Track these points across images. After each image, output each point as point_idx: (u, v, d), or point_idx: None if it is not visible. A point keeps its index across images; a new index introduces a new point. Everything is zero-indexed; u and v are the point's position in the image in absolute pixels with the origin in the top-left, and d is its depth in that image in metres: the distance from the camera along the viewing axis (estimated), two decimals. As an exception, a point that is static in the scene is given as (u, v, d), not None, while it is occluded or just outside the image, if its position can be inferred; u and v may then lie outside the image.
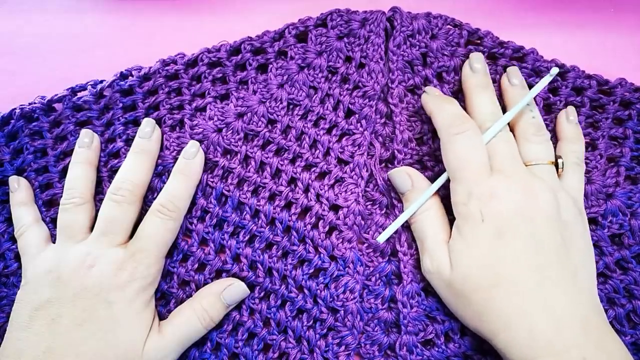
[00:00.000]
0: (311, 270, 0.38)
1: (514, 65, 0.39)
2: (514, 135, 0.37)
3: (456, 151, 0.35)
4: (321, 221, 0.38)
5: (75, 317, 0.34)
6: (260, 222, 0.38)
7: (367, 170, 0.39)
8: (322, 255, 0.37)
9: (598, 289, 0.35)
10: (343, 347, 0.37)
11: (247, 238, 0.38)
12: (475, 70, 0.38)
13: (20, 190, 0.39)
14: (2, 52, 0.44)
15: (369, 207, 0.39)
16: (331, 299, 0.37)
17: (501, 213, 0.33)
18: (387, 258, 0.38)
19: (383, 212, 0.39)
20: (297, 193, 0.38)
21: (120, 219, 0.36)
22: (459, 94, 0.39)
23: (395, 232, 0.38)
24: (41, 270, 0.35)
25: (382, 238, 0.38)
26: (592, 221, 0.38)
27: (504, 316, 0.32)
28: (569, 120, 0.39)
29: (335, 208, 0.38)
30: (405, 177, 0.38)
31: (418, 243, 0.37)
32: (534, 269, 0.32)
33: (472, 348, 0.37)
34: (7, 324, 0.35)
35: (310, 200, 0.38)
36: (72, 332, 0.33)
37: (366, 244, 0.38)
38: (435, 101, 0.37)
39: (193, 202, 0.38)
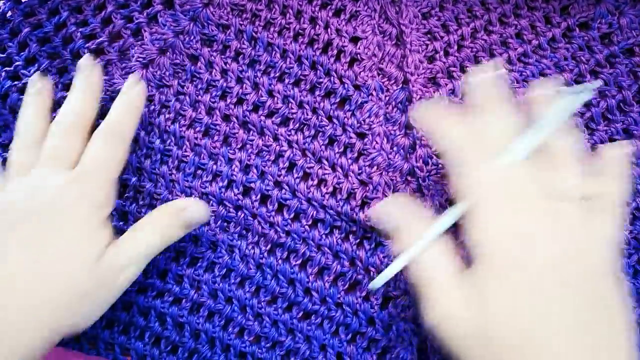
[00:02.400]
0: (337, 100, 0.41)
1: None
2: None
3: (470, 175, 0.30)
4: (342, 54, 0.41)
5: (20, 241, 0.33)
6: (288, 60, 0.41)
7: (378, 3, 0.42)
8: (346, 84, 0.41)
9: None
10: (375, 168, 0.40)
11: (277, 75, 0.41)
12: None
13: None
14: None
15: (385, 39, 0.42)
16: (358, 125, 0.40)
17: (543, 255, 0.28)
18: (400, 85, 0.41)
19: (394, 42, 0.42)
20: (319, 29, 0.41)
21: (63, 146, 0.36)
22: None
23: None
24: None
25: (377, 283, 0.32)
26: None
27: None
28: (617, 156, 0.33)
29: (354, 40, 0.42)
30: (389, 215, 0.33)
31: (418, 287, 0.30)
32: (571, 330, 0.27)
33: None
34: None
35: (331, 34, 0.41)
36: (17, 256, 0.33)
37: (381, 74, 0.41)
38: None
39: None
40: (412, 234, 0.31)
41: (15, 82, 0.41)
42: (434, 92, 0.41)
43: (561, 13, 0.42)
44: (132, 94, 0.38)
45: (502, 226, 0.29)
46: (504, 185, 0.29)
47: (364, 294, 0.40)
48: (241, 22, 0.41)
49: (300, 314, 0.40)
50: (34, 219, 0.34)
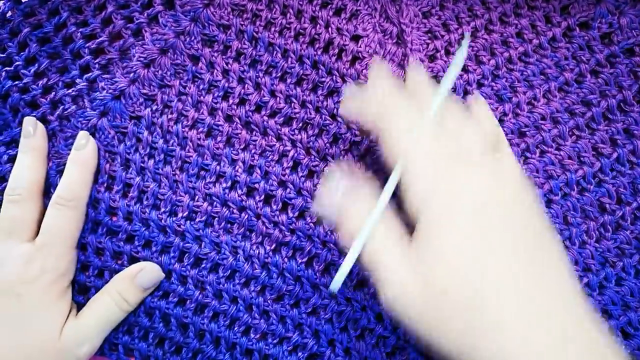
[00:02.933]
0: (340, 98, 0.40)
1: None
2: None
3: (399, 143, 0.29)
4: (344, 52, 0.41)
5: None
6: (289, 60, 0.41)
7: (379, 2, 0.42)
8: (348, 82, 0.41)
9: None
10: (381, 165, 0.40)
11: (279, 74, 0.41)
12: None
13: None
14: None
15: (386, 38, 0.42)
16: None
17: (475, 204, 0.28)
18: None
19: (394, 41, 0.42)
20: (319, 29, 0.41)
21: (22, 216, 0.37)
22: None
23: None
24: None
25: (335, 286, 0.30)
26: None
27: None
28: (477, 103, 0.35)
29: (355, 39, 0.42)
30: (329, 209, 0.31)
31: (371, 276, 0.29)
32: (519, 284, 0.27)
33: None
34: None
35: (332, 33, 0.41)
36: None
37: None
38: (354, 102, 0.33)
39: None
40: (355, 220, 0.30)
41: (17, 82, 0.41)
42: None
43: (561, 13, 0.42)
44: (83, 154, 0.39)
45: (429, 188, 0.28)
46: (426, 148, 0.29)
47: (372, 290, 0.40)
48: (242, 22, 0.41)
49: (309, 309, 0.40)
50: None
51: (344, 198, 0.31)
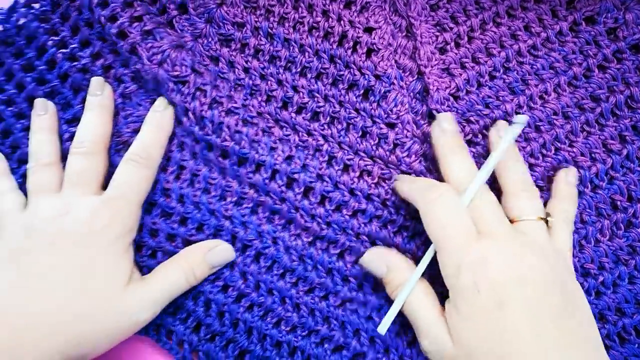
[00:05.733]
0: (361, 92, 0.40)
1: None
2: (502, 189, 0.36)
3: (436, 219, 0.33)
4: (358, 45, 0.40)
5: (50, 264, 0.33)
6: (307, 54, 0.40)
7: None
8: (367, 75, 0.39)
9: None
10: (413, 157, 0.39)
11: (299, 69, 0.40)
12: (445, 131, 0.36)
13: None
14: None
15: (396, 31, 0.41)
16: (386, 115, 0.39)
17: (494, 280, 0.31)
18: (415, 77, 0.40)
19: (404, 34, 0.41)
20: (332, 22, 0.40)
21: (89, 169, 0.36)
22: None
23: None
24: (17, 225, 0.35)
25: (383, 328, 0.35)
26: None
27: None
28: (567, 181, 0.38)
29: (368, 31, 0.40)
30: (378, 262, 0.36)
31: (412, 324, 0.35)
32: (539, 336, 0.30)
33: None
34: None
35: (345, 26, 0.40)
36: (46, 276, 0.33)
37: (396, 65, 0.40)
38: (406, 179, 0.37)
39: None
40: (400, 277, 0.35)
41: (75, 63, 0.40)
42: (449, 82, 0.40)
43: (567, 7, 0.41)
44: (161, 116, 0.38)
45: (456, 264, 0.32)
46: (462, 221, 0.33)
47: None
48: (256, 19, 0.40)
49: (338, 302, 0.39)
50: (64, 242, 0.34)
51: (391, 258, 0.36)
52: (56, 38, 0.40)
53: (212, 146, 0.39)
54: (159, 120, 0.38)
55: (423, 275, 0.35)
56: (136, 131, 0.39)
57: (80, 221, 0.34)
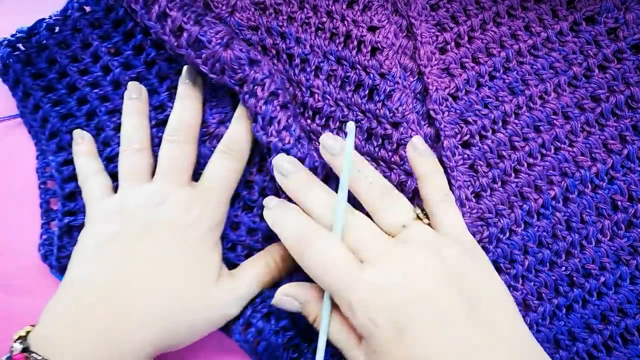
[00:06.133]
0: (366, 92, 0.40)
1: None
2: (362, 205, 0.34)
3: (316, 265, 0.31)
4: (363, 44, 0.40)
5: (147, 252, 0.33)
6: (317, 54, 0.40)
7: None
8: (371, 74, 0.39)
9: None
10: None
11: (313, 69, 0.40)
12: (286, 172, 0.34)
13: (84, 142, 0.39)
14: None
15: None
16: (391, 114, 0.39)
17: (390, 307, 0.29)
18: (416, 77, 0.40)
19: (404, 34, 0.41)
20: (336, 22, 0.40)
21: (181, 157, 0.36)
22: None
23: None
24: (107, 210, 0.35)
25: (319, 358, 0.32)
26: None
27: None
28: (420, 153, 0.34)
29: (372, 30, 0.40)
30: (289, 300, 0.34)
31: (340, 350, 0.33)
32: (454, 348, 0.28)
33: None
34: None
35: (349, 26, 0.40)
36: (143, 265, 0.33)
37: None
38: (278, 214, 0.34)
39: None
40: (316, 309, 0.33)
41: (161, 51, 0.41)
42: (449, 82, 0.40)
43: (567, 7, 0.41)
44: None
45: (349, 297, 0.30)
46: (340, 258, 0.31)
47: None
48: (267, 20, 0.40)
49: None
50: (157, 232, 0.34)
51: (303, 290, 0.34)
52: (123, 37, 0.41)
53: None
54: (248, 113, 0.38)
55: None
56: (221, 122, 0.39)
57: (176, 211, 0.34)
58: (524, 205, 0.39)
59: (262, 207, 0.36)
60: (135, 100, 0.39)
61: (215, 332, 0.36)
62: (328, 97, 0.40)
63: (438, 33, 0.41)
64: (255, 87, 0.36)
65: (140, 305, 0.33)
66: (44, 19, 0.41)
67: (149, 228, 0.34)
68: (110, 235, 0.34)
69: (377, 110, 0.39)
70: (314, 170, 0.36)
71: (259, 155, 0.39)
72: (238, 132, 0.37)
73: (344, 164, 0.33)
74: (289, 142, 0.36)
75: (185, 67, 0.39)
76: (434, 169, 0.35)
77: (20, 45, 0.41)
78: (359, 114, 0.40)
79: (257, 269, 0.36)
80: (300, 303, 0.33)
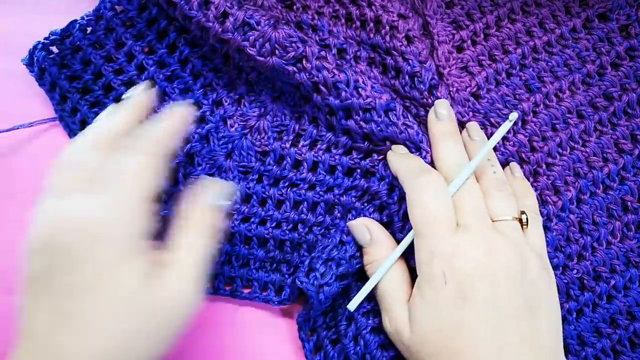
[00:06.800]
0: (406, 77, 0.38)
1: None
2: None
3: (420, 205, 0.33)
4: (395, 30, 0.38)
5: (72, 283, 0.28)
6: (352, 44, 0.39)
7: None
8: (410, 60, 0.38)
9: None
10: None
11: (352, 56, 0.39)
12: (440, 117, 0.36)
13: None
14: (2, 52, 0.42)
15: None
16: (422, 98, 0.38)
17: (464, 274, 0.31)
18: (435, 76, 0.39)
19: (421, 32, 0.40)
20: (363, 10, 0.39)
21: (88, 162, 0.31)
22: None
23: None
24: None
25: (353, 305, 0.35)
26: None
27: None
28: (514, 177, 0.37)
29: (403, 17, 0.39)
30: (364, 230, 0.36)
31: (378, 300, 0.35)
32: (495, 335, 0.30)
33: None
34: None
35: (378, 11, 0.39)
36: (61, 298, 0.28)
37: None
38: (398, 157, 0.36)
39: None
40: (380, 252, 0.35)
41: (195, 49, 0.41)
42: (469, 80, 0.39)
43: (580, 4, 0.41)
44: (175, 113, 0.34)
45: (435, 246, 0.32)
46: (445, 211, 0.33)
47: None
48: (296, 16, 0.40)
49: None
50: (75, 252, 0.28)
51: (378, 230, 0.36)
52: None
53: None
54: (172, 116, 0.34)
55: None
56: (261, 115, 0.40)
57: (81, 228, 0.29)
58: (543, 210, 0.38)
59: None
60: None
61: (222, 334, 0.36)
62: (374, 82, 0.38)
63: (454, 31, 0.40)
64: (319, 60, 0.36)
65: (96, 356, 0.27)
66: (76, 20, 0.39)
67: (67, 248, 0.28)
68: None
69: (424, 99, 0.38)
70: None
71: (311, 138, 0.39)
72: (164, 128, 0.33)
73: (493, 139, 0.36)
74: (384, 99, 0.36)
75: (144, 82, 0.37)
76: (526, 190, 0.37)
77: (53, 48, 0.40)
78: (406, 100, 0.39)
79: (193, 242, 0.31)
80: (370, 239, 0.35)
